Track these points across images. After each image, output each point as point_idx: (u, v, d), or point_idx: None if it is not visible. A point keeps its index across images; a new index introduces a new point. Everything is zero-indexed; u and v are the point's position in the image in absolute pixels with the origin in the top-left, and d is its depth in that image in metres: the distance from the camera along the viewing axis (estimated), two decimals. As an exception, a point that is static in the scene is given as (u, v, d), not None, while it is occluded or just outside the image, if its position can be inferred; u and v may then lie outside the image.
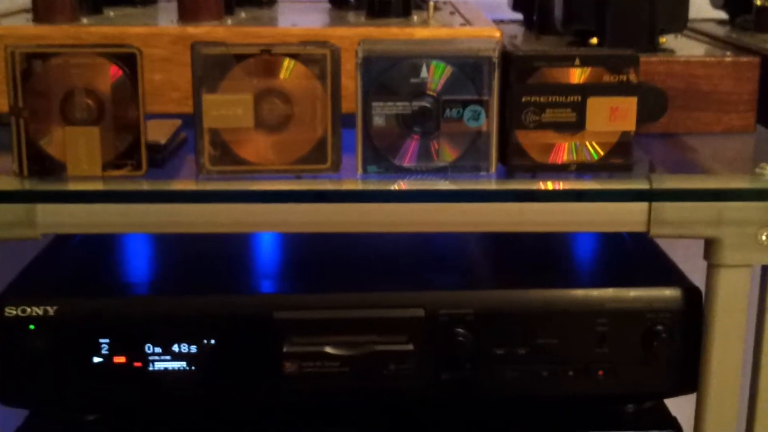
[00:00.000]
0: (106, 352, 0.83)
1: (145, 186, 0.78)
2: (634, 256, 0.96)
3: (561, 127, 0.79)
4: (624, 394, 0.87)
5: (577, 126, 0.79)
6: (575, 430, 0.88)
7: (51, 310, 0.82)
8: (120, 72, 0.76)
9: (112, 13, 0.98)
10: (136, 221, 0.79)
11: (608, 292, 0.84)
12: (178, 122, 0.88)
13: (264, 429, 0.88)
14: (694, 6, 1.03)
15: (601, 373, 0.85)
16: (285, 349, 0.83)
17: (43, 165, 0.77)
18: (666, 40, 0.92)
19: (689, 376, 0.85)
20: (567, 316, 0.84)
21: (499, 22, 1.08)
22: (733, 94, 0.89)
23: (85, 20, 0.91)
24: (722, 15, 1.16)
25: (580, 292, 0.85)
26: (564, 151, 0.80)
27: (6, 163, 0.79)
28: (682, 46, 0.96)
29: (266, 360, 0.83)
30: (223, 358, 0.84)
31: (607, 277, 0.90)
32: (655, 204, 0.78)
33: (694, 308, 0.84)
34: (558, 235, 1.00)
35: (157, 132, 0.83)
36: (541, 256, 0.96)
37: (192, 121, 0.79)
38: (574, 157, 0.80)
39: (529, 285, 0.86)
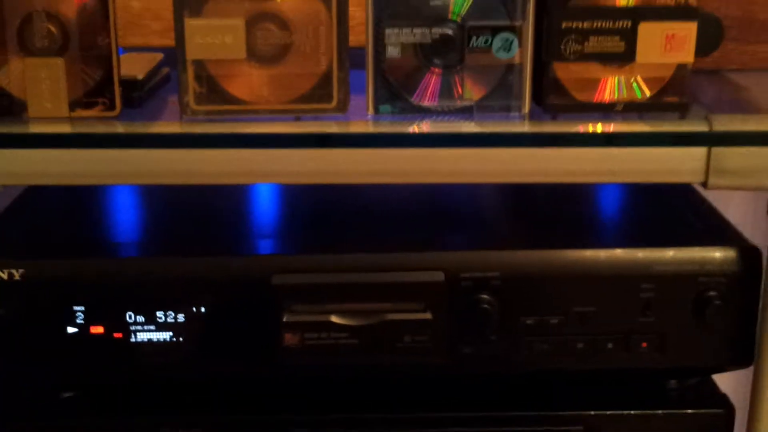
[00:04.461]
0: (82, 322, 0.80)
1: (120, 128, 0.76)
2: (683, 212, 0.93)
3: (607, 59, 0.77)
4: (670, 368, 0.84)
5: (625, 57, 0.76)
6: (611, 408, 0.85)
7: (17, 274, 0.79)
8: (88, -7, 0.73)
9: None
10: (110, 170, 0.76)
11: (654, 253, 0.80)
12: (160, 56, 0.86)
13: (260, 408, 0.85)
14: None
15: (644, 345, 0.81)
16: (285, 319, 0.80)
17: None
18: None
19: (745, 349, 0.82)
20: (607, 281, 0.81)
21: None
22: (798, 24, 0.86)
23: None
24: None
25: (621, 253, 0.81)
26: (609, 87, 0.78)
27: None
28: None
29: (263, 331, 0.80)
30: (214, 329, 0.81)
31: (653, 236, 0.86)
32: (714, 150, 0.74)
33: (753, 271, 0.80)
34: (596, 187, 0.97)
35: (134, 66, 0.81)
36: (577, 211, 0.94)
37: (175, 54, 0.77)
38: (622, 95, 0.77)
39: (564, 245, 0.82)
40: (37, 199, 0.95)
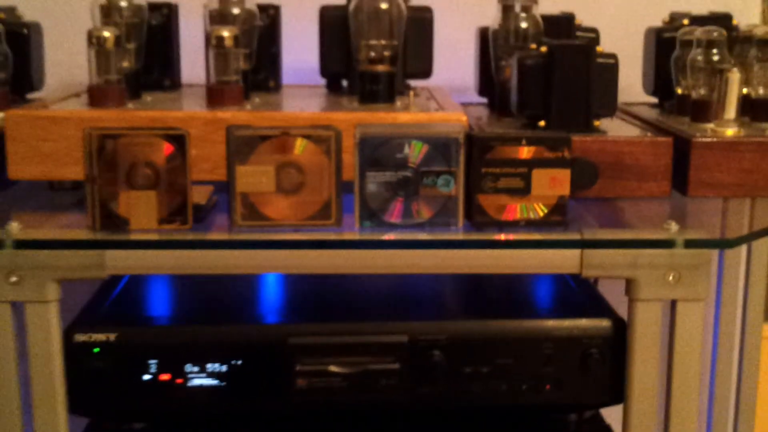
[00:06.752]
0: (155, 371, 0.94)
1: (191, 236, 0.90)
2: (574, 294, 1.08)
3: (512, 192, 0.91)
4: (566, 404, 1.00)
5: (524, 191, 0.91)
6: (528, 434, 1.00)
7: (112, 337, 0.94)
8: (172, 148, 0.89)
9: (149, 98, 1.11)
10: (184, 264, 0.91)
11: (553, 322, 0.97)
12: (211, 188, 1.00)
13: (279, 432, 0.99)
14: (635, 91, 1.23)
15: (548, 387, 0.97)
16: (297, 368, 0.93)
17: (111, 221, 0.90)
18: (601, 122, 1.07)
19: (617, 390, 0.97)
20: (520, 341, 0.97)
21: (467, 105, 1.25)
22: (652, 166, 1.02)
23: (130, 104, 1.05)
24: (655, 100, 1.31)
25: (530, 322, 0.98)
26: (515, 210, 0.92)
27: (80, 220, 0.94)
28: (614, 127, 1.11)
29: (282, 377, 0.94)
30: (247, 376, 0.94)
31: (553, 310, 1.04)
32: (585, 251, 0.92)
33: (620, 335, 0.97)
34: (514, 276, 1.11)
35: (197, 195, 0.95)
36: (501, 293, 1.09)
37: (220, 186, 0.93)
38: (523, 215, 0.92)
39: (491, 316, 0.99)
40: (116, 285, 1.10)
